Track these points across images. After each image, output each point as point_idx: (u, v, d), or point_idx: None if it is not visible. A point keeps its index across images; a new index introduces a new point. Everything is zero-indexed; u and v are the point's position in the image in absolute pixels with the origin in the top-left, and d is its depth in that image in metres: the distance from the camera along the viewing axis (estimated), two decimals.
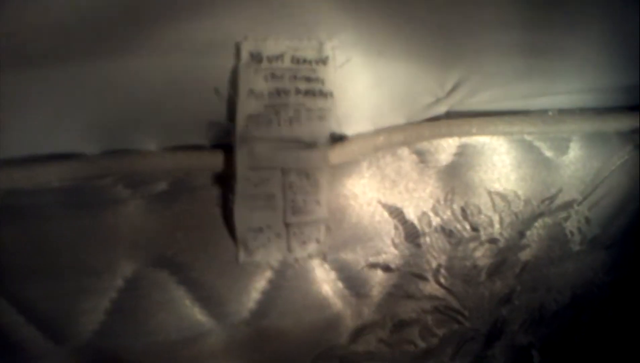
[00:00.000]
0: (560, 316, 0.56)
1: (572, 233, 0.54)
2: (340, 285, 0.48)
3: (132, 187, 0.43)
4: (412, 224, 0.49)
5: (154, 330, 0.45)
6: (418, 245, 0.49)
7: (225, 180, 0.43)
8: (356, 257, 0.48)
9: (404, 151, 0.48)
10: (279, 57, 0.41)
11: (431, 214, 0.49)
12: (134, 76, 0.39)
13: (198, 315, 0.45)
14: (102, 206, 0.42)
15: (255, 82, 0.41)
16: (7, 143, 0.40)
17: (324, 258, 0.47)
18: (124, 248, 0.43)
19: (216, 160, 0.43)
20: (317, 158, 0.43)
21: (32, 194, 0.41)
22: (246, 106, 0.41)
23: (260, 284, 0.46)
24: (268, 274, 0.46)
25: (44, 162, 0.40)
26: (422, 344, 0.52)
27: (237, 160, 0.42)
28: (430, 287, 0.51)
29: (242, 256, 0.44)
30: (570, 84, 0.49)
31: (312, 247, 0.46)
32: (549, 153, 0.52)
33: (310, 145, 0.43)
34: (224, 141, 0.42)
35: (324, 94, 0.42)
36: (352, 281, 0.49)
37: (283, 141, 0.42)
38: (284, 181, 0.43)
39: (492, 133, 0.49)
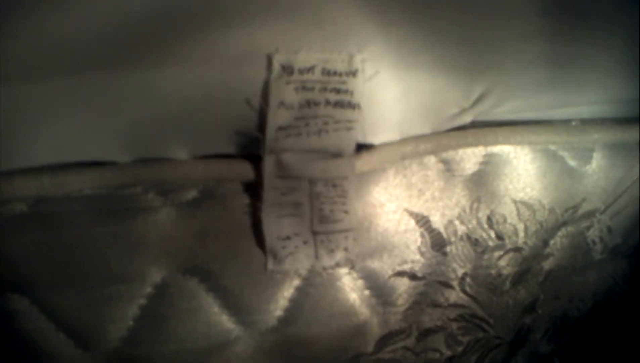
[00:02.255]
0: (582, 324, 0.54)
1: (594, 242, 0.53)
2: (367, 293, 0.47)
3: (163, 195, 0.41)
4: (439, 233, 0.48)
5: (183, 337, 0.43)
6: (444, 254, 0.48)
7: (254, 189, 0.42)
8: (383, 266, 0.47)
9: (430, 160, 0.47)
10: (310, 69, 0.39)
11: (457, 222, 0.48)
12: (166, 85, 0.38)
13: (226, 322, 0.44)
14: (133, 213, 0.41)
15: (286, 94, 0.39)
16: (40, 151, 0.38)
17: (351, 266, 0.46)
18: (153, 255, 0.42)
19: (246, 169, 0.41)
20: (344, 168, 0.42)
21: (63, 201, 0.40)
22: (276, 118, 0.40)
23: (288, 292, 0.45)
24: (296, 282, 0.45)
25: (75, 170, 0.39)
26: (447, 352, 0.51)
27: (265, 169, 0.41)
28: (456, 295, 0.49)
29: (270, 264, 0.43)
30: (592, 95, 0.48)
31: (339, 256, 0.44)
32: (572, 163, 0.50)
33: (337, 155, 0.42)
34: (253, 151, 0.41)
35: (352, 106, 0.41)
36: (379, 289, 0.47)
37: (311, 151, 0.41)
38: (311, 191, 0.42)
39: (518, 143, 0.48)
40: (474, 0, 0.41)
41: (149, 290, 0.42)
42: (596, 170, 0.51)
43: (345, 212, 0.43)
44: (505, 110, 0.46)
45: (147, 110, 0.39)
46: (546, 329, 0.53)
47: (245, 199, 0.43)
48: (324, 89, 0.40)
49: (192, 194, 0.42)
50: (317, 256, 0.44)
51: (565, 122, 0.49)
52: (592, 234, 0.53)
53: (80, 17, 0.35)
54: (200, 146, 0.41)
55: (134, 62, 0.37)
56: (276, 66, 0.39)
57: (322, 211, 0.43)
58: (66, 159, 0.39)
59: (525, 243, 0.50)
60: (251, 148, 0.41)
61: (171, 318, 0.43)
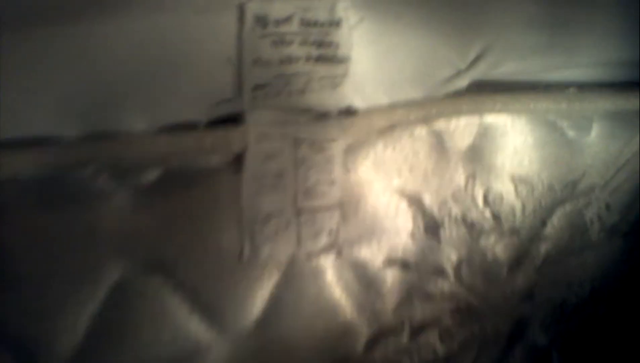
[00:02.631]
0: (579, 311, 0.50)
1: (591, 221, 0.48)
2: (354, 286, 0.41)
3: (118, 177, 0.35)
4: (432, 215, 0.43)
5: (145, 346, 0.37)
6: (438, 238, 0.43)
7: (229, 164, 0.36)
8: (371, 254, 0.42)
9: (422, 132, 0.41)
10: (287, 19, 0.34)
11: (451, 202, 0.43)
12: (120, 39, 0.31)
13: (196, 326, 0.38)
14: (81, 201, 0.34)
15: (262, 48, 0.34)
16: None
17: (338, 253, 0.40)
18: (108, 251, 0.35)
19: (219, 140, 0.35)
20: (332, 128, 0.38)
21: None
22: (252, 76, 0.34)
23: (266, 289, 0.39)
24: (275, 276, 0.39)
25: (9, 148, 0.32)
26: (442, 350, 0.45)
27: (247, 130, 0.35)
28: (450, 285, 0.44)
29: (247, 250, 0.38)
30: (592, 57, 0.44)
31: (324, 240, 0.39)
32: (572, 133, 0.46)
33: (324, 115, 0.37)
34: (225, 117, 0.35)
35: (339, 60, 0.36)
36: (367, 282, 0.42)
37: (294, 112, 0.36)
38: (296, 155, 0.37)
39: (517, 111, 0.43)
40: None
41: (103, 292, 0.36)
42: (596, 141, 0.46)
43: (332, 183, 0.38)
44: (503, 72, 0.42)
45: (97, 70, 0.32)
46: (544, 318, 0.49)
47: (217, 178, 0.37)
48: (304, 42, 0.35)
49: (153, 174, 0.35)
50: (299, 241, 0.38)
51: (563, 89, 0.44)
52: (590, 212, 0.48)
53: None
54: (162, 114, 0.35)
55: (78, 10, 0.30)
56: (249, 17, 0.33)
57: (307, 181, 0.38)
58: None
59: (522, 223, 0.45)
60: (224, 113, 0.35)
61: (131, 324, 0.37)
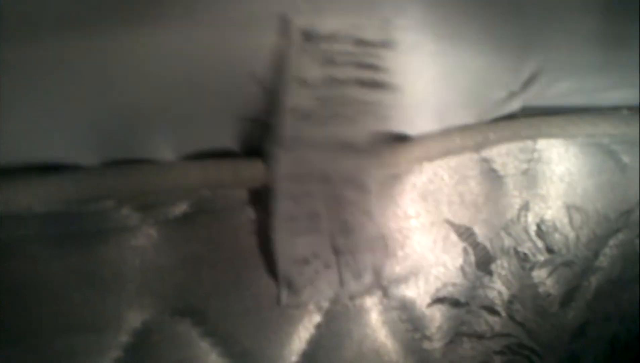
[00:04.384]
0: (630, 348, 0.45)
1: None
2: (401, 327, 0.36)
3: (143, 210, 0.30)
4: (484, 247, 0.37)
5: None
6: (489, 273, 0.38)
7: (261, 199, 0.31)
8: (419, 291, 0.36)
9: (473, 158, 0.37)
10: (337, 37, 0.29)
11: (503, 234, 0.38)
12: (147, 57, 0.27)
13: None
14: (102, 237, 0.29)
15: (307, 68, 0.29)
16: None
17: (383, 292, 0.35)
18: (131, 292, 0.30)
19: (255, 171, 0.31)
20: (371, 163, 0.32)
21: (6, 224, 0.28)
22: (294, 99, 0.29)
23: (306, 332, 0.34)
24: (316, 319, 0.34)
25: (23, 179, 0.28)
26: None
27: (275, 169, 0.30)
28: (502, 323, 0.39)
29: (285, 296, 0.32)
30: None
31: (368, 278, 0.34)
32: (626, 159, 0.41)
33: (364, 148, 0.32)
34: (260, 146, 0.31)
35: (384, 86, 0.31)
36: (415, 322, 0.36)
37: (333, 143, 0.31)
38: (330, 194, 0.32)
39: (573, 135, 0.38)
40: None
41: (125, 338, 0.30)
42: None
43: (370, 217, 0.33)
44: (556, 93, 0.37)
45: (122, 91, 0.27)
46: (595, 356, 0.44)
47: (251, 213, 0.32)
48: (353, 63, 0.30)
49: (181, 208, 0.31)
50: (341, 282, 0.33)
51: (616, 111, 0.40)
52: None
53: None
54: (192, 141, 0.30)
55: (102, 24, 0.26)
56: (295, 32, 0.28)
57: (343, 218, 0.33)
58: (9, 162, 0.28)
59: (575, 255, 0.40)
60: (258, 142, 0.31)
61: None
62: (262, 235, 0.32)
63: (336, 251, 0.33)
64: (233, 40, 0.28)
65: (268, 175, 0.31)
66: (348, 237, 0.33)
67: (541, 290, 0.40)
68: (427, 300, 0.36)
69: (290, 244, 0.32)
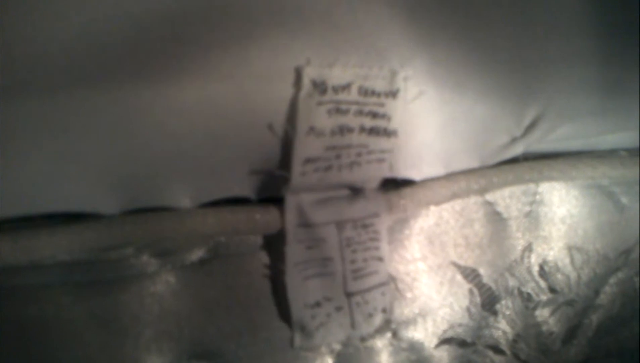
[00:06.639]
0: None
1: None
2: None
3: (161, 257, 0.30)
4: (489, 288, 0.37)
5: None
6: (495, 313, 0.38)
7: (274, 244, 0.32)
8: (427, 332, 0.36)
9: (478, 201, 0.37)
10: (346, 87, 0.29)
11: (507, 274, 0.38)
12: (166, 109, 0.27)
13: None
14: (123, 284, 0.29)
15: (317, 117, 0.29)
16: None
17: (393, 333, 0.35)
18: (149, 337, 0.30)
19: (268, 217, 0.31)
20: (374, 204, 0.33)
21: (29, 272, 0.28)
22: (305, 147, 0.29)
23: None
24: (328, 361, 0.34)
25: (46, 228, 0.27)
26: None
27: (286, 217, 0.31)
28: (507, 361, 0.39)
29: (298, 339, 0.32)
30: None
31: (378, 319, 0.34)
32: (625, 199, 0.41)
33: (368, 191, 0.33)
34: (272, 194, 0.31)
35: (388, 133, 0.31)
36: (425, 362, 0.36)
37: (339, 188, 0.32)
38: (341, 238, 0.32)
39: (574, 177, 0.38)
40: (526, 19, 0.32)
41: None
42: None
43: (380, 259, 0.33)
44: (556, 137, 0.37)
45: (142, 142, 0.27)
46: None
47: (264, 258, 0.32)
48: (360, 112, 0.30)
49: (197, 254, 0.31)
50: (353, 325, 0.33)
51: (613, 154, 0.40)
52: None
53: (61, 16, 0.24)
54: (208, 189, 0.30)
55: (125, 78, 0.26)
56: (306, 82, 0.28)
57: (354, 262, 0.33)
58: (33, 212, 0.28)
59: (577, 294, 0.40)
60: (270, 190, 0.31)
61: None
62: (275, 279, 0.32)
63: (347, 294, 0.33)
64: (250, 93, 0.28)
65: (281, 221, 0.31)
66: (359, 280, 0.33)
67: (544, 328, 0.40)
68: (435, 340, 0.36)
69: (302, 288, 0.31)
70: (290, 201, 0.31)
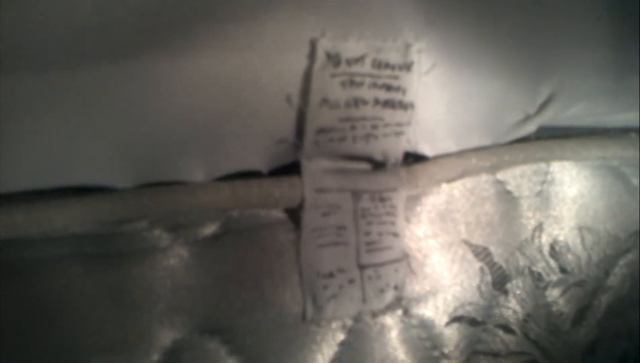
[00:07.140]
0: None
1: None
2: (421, 345, 0.36)
3: (174, 231, 0.30)
4: (500, 267, 0.37)
5: None
6: (505, 292, 0.38)
7: (290, 215, 0.32)
8: (438, 310, 0.36)
9: (489, 180, 0.37)
10: (360, 59, 0.29)
11: (518, 254, 0.38)
12: (180, 82, 0.27)
13: None
14: (135, 257, 0.29)
15: (331, 89, 0.29)
16: (8, 174, 0.26)
17: (404, 311, 0.35)
18: (162, 311, 0.30)
19: (282, 190, 0.30)
20: (394, 178, 0.33)
21: (41, 244, 0.28)
22: (318, 118, 0.30)
23: (330, 350, 0.33)
24: (340, 336, 0.33)
25: (58, 200, 0.27)
26: None
27: (304, 183, 0.31)
28: (517, 341, 0.39)
29: (309, 310, 0.32)
30: None
31: (390, 296, 0.34)
32: (635, 181, 0.41)
33: (386, 164, 0.33)
34: (286, 165, 0.31)
35: (404, 106, 0.31)
36: (434, 340, 0.36)
37: (356, 159, 0.32)
38: (356, 207, 0.32)
39: (585, 157, 0.38)
40: None
41: (156, 357, 0.30)
42: None
43: (395, 235, 0.33)
44: (569, 116, 0.37)
45: (156, 115, 0.27)
46: None
47: (277, 231, 0.32)
48: (374, 85, 0.30)
49: (211, 228, 0.30)
50: (364, 299, 0.33)
51: (624, 135, 0.40)
52: None
53: None
54: (221, 163, 0.30)
55: (141, 52, 0.26)
56: (320, 54, 0.28)
57: (369, 234, 0.33)
58: (45, 185, 0.27)
59: (587, 275, 0.40)
60: (284, 160, 0.31)
61: None
62: (288, 253, 0.32)
63: (360, 266, 0.32)
64: (265, 65, 0.28)
65: (295, 193, 0.31)
66: (373, 253, 0.33)
67: (554, 308, 0.40)
68: (445, 318, 0.36)
69: (316, 256, 0.32)
70: (307, 166, 0.31)
